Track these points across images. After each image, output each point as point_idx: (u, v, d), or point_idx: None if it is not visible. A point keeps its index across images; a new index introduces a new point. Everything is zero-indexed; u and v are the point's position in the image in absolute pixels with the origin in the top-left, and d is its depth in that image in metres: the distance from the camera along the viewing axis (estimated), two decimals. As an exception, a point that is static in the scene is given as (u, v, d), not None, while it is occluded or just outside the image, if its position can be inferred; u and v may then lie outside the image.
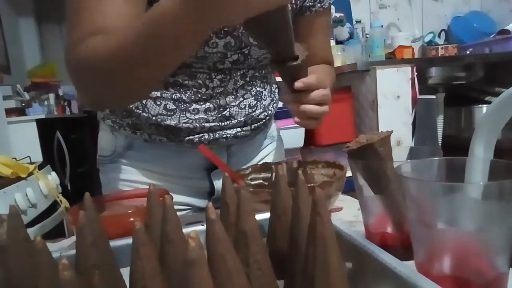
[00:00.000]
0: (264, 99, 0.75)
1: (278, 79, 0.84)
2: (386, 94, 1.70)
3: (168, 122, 0.67)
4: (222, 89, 0.69)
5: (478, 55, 2.05)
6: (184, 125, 0.68)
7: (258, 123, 0.75)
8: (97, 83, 0.50)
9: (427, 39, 2.35)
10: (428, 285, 0.24)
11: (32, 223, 1.23)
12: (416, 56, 2.23)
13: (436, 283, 0.24)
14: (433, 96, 1.79)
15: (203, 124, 0.68)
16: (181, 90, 0.67)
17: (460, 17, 2.43)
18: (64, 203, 1.48)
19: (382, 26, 2.09)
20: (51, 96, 2.52)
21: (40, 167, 1.45)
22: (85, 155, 2.84)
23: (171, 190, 0.72)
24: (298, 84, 0.57)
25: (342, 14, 2.12)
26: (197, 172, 0.75)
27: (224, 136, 0.71)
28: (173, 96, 0.67)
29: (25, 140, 2.07)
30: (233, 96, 0.70)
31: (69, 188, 2.32)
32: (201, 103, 0.68)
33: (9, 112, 2.10)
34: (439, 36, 2.40)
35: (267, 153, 0.84)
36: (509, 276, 0.31)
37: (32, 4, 3.14)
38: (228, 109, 0.70)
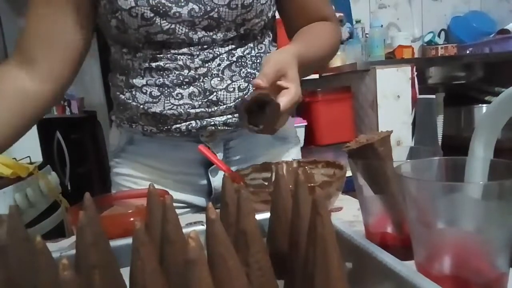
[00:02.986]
0: None
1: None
2: (386, 94, 1.70)
3: (153, 109, 0.65)
4: (205, 69, 0.64)
5: (478, 55, 2.05)
6: (169, 111, 0.65)
7: None
8: None
9: (427, 39, 2.35)
10: (428, 285, 0.24)
11: (32, 223, 1.23)
12: (416, 56, 2.23)
13: (436, 283, 0.24)
14: (433, 96, 1.79)
15: (188, 110, 0.65)
16: (164, 74, 0.65)
17: (460, 17, 2.43)
18: (64, 203, 1.48)
19: (382, 26, 2.09)
20: (51, 96, 2.52)
21: (40, 167, 1.45)
22: (85, 155, 2.83)
23: (169, 186, 0.72)
24: (256, 81, 0.52)
25: (342, 14, 2.12)
26: (195, 168, 0.73)
27: (212, 123, 0.66)
28: (157, 82, 0.65)
29: (25, 140, 2.06)
30: (219, 79, 0.65)
31: (69, 188, 2.32)
32: (184, 87, 0.64)
33: (9, 112, 2.10)
34: (439, 36, 2.40)
35: (274, 157, 0.75)
36: (509, 276, 0.31)
37: (32, 4, 3.15)
38: (214, 93, 0.65)
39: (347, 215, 0.60)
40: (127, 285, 0.27)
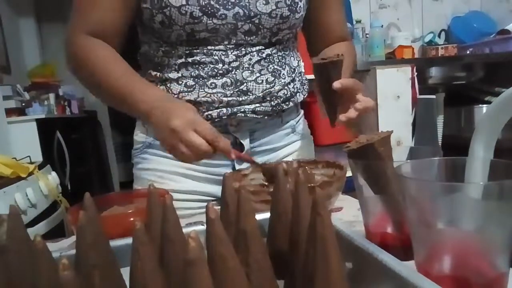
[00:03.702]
0: (283, 77, 0.75)
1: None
2: (386, 94, 1.71)
3: (188, 97, 0.70)
4: (238, 63, 0.70)
5: (478, 55, 2.05)
6: (203, 99, 0.70)
7: (278, 100, 0.75)
8: (80, 77, 0.70)
9: (427, 39, 2.35)
10: (428, 285, 0.24)
11: (32, 223, 1.23)
12: (416, 56, 2.23)
13: (436, 283, 0.24)
14: (433, 96, 1.79)
15: (221, 98, 0.70)
16: (199, 67, 0.70)
17: (460, 17, 2.42)
18: (64, 203, 1.48)
19: (382, 26, 2.09)
20: (51, 96, 2.52)
21: (40, 167, 1.45)
22: (85, 155, 2.83)
23: (196, 179, 0.76)
24: (337, 84, 0.60)
25: (342, 14, 2.12)
26: (222, 158, 0.74)
27: (242, 110, 0.71)
28: (192, 73, 0.70)
29: (25, 140, 2.07)
30: (249, 71, 0.71)
31: (69, 188, 2.32)
32: (218, 77, 0.70)
33: (9, 112, 2.09)
34: (439, 36, 2.40)
35: (293, 150, 0.83)
36: (509, 276, 0.31)
37: (32, 4, 3.14)
38: (245, 84, 0.71)
39: (347, 215, 0.60)
40: (127, 285, 0.27)
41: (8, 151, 1.93)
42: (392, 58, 2.00)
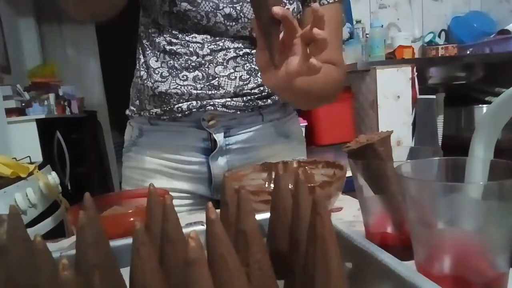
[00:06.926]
0: (260, 78, 0.72)
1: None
2: (386, 94, 1.70)
3: (160, 88, 0.72)
4: (212, 57, 0.70)
5: (478, 55, 2.05)
6: (173, 90, 0.71)
7: (252, 97, 0.73)
8: None
9: (427, 39, 2.35)
10: (428, 285, 0.24)
11: (32, 223, 1.23)
12: (416, 56, 2.23)
13: (436, 283, 0.24)
14: (433, 96, 1.79)
15: (191, 90, 0.71)
16: (175, 58, 0.72)
17: (460, 17, 2.42)
18: (64, 203, 1.49)
19: (382, 26, 2.09)
20: (51, 96, 2.52)
21: (40, 167, 1.45)
22: (85, 155, 2.83)
23: (173, 176, 0.77)
24: (276, 9, 0.48)
25: (342, 14, 2.12)
26: (197, 155, 0.76)
27: (212, 103, 0.71)
28: (168, 64, 0.72)
29: (25, 140, 2.07)
30: (223, 67, 0.71)
31: (69, 188, 2.32)
32: (191, 70, 0.71)
33: (9, 112, 2.09)
34: (439, 36, 2.40)
35: (276, 151, 0.79)
36: (509, 276, 0.31)
37: (32, 4, 3.14)
38: (217, 79, 0.70)
39: (347, 215, 0.60)
40: (127, 285, 0.27)
41: (8, 151, 1.93)
42: (392, 58, 2.00)
